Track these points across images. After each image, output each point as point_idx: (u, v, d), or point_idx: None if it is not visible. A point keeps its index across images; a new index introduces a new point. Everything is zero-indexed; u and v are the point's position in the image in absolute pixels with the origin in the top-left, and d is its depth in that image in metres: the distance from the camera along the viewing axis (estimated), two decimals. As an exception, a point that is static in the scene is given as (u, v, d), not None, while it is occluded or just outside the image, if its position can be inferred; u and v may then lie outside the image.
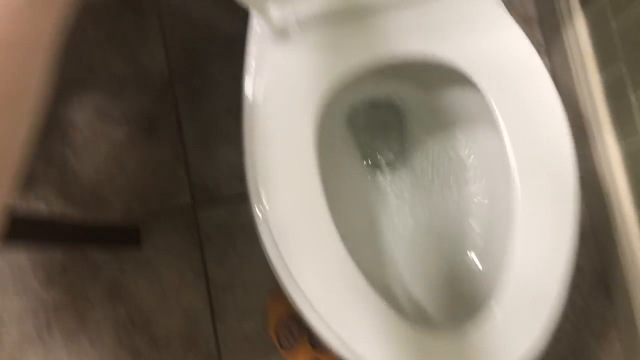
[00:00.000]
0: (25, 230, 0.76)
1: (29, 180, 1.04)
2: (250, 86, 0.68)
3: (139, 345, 1.02)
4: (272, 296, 1.01)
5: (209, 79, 1.07)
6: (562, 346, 1.01)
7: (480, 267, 0.75)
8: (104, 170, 1.05)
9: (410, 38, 0.67)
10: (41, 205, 1.03)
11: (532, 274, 0.62)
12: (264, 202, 0.63)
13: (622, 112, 0.89)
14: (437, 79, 0.78)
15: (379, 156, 0.87)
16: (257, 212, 0.64)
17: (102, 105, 1.06)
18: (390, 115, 0.88)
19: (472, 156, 0.80)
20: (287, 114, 0.65)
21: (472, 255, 0.77)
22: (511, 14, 0.70)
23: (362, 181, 0.86)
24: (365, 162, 0.87)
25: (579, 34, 0.96)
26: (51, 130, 1.06)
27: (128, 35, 1.07)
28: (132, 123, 1.06)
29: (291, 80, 0.66)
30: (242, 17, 0.71)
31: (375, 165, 0.88)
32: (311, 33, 0.67)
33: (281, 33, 0.67)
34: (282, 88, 0.66)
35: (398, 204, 0.84)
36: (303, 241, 0.62)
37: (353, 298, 0.61)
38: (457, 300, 0.74)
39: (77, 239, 0.89)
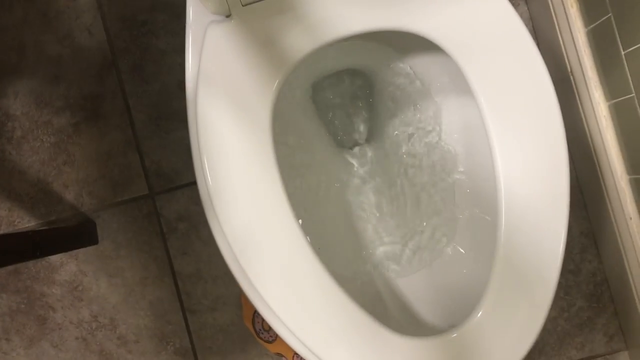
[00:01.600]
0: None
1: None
2: (190, 67, 0.60)
3: (106, 346, 0.98)
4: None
5: (155, 54, 0.98)
6: (553, 310, 0.98)
7: (462, 250, 0.71)
8: (49, 163, 0.98)
9: (369, 9, 0.59)
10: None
11: (523, 254, 0.56)
12: (216, 203, 0.56)
13: (612, 68, 0.81)
14: (407, 43, 0.71)
15: (347, 132, 0.82)
16: (209, 214, 0.58)
17: (40, 92, 0.98)
18: (357, 88, 0.82)
19: (450, 127, 0.73)
20: (236, 98, 0.57)
21: (455, 242, 0.72)
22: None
23: (332, 161, 0.79)
24: (334, 141, 0.81)
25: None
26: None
27: (60, 10, 0.97)
28: (74, 109, 0.98)
29: (237, 60, 0.58)
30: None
31: (345, 143, 0.82)
32: (256, 9, 0.59)
33: (221, 10, 0.58)
34: (226, 69, 0.58)
35: (371, 182, 0.79)
36: (264, 247, 0.56)
37: (324, 307, 0.56)
38: (444, 294, 0.69)
39: (29, 253, 0.82)
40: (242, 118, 0.58)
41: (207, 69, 0.58)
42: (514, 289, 0.57)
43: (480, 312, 0.57)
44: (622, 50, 0.78)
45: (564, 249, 0.57)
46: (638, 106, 0.78)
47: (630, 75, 0.78)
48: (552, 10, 0.91)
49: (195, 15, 0.61)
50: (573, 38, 0.87)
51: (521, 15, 0.92)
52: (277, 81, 0.58)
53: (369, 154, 0.80)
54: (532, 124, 0.58)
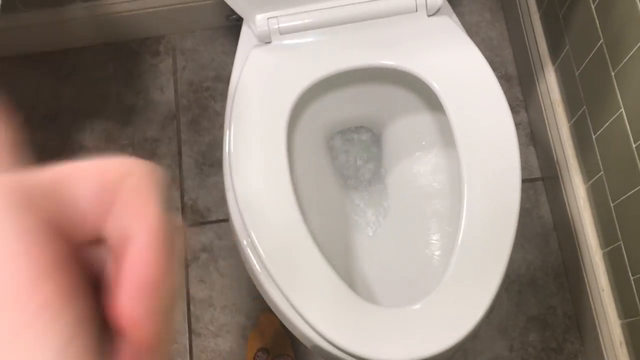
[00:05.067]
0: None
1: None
2: (234, 79, 0.77)
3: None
4: (253, 329, 1.06)
5: (210, 114, 1.19)
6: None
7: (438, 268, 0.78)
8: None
9: (376, 50, 0.76)
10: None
11: (468, 278, 0.66)
12: (234, 176, 0.70)
13: (587, 152, 0.94)
14: (401, 104, 0.88)
15: (356, 175, 0.96)
16: (228, 186, 0.71)
17: (111, 132, 1.18)
18: (367, 140, 0.98)
19: (435, 174, 0.87)
20: (262, 105, 0.74)
21: (432, 259, 0.83)
22: (495, 75, 0.75)
23: (341, 196, 0.93)
24: (345, 181, 0.95)
25: (550, 85, 1.03)
26: (63, 152, 1.17)
27: (143, 72, 1.21)
28: (136, 147, 1.17)
29: (268, 75, 0.75)
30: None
31: (353, 184, 0.96)
32: (290, 40, 0.77)
33: (264, 37, 0.77)
34: (260, 81, 0.75)
35: (372, 218, 0.91)
36: (269, 217, 0.69)
37: (309, 273, 0.67)
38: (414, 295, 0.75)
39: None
40: (265, 115, 0.74)
41: (246, 77, 0.76)
42: (467, 277, 0.68)
43: (438, 290, 0.67)
44: (593, 134, 0.93)
45: (510, 251, 0.68)
46: (606, 183, 0.91)
47: (600, 156, 0.92)
48: (543, 112, 1.08)
49: (244, 40, 0.81)
50: (559, 133, 1.03)
51: (521, 120, 1.13)
52: (297, 94, 0.75)
53: (374, 193, 0.95)
54: (497, 175, 0.71)
